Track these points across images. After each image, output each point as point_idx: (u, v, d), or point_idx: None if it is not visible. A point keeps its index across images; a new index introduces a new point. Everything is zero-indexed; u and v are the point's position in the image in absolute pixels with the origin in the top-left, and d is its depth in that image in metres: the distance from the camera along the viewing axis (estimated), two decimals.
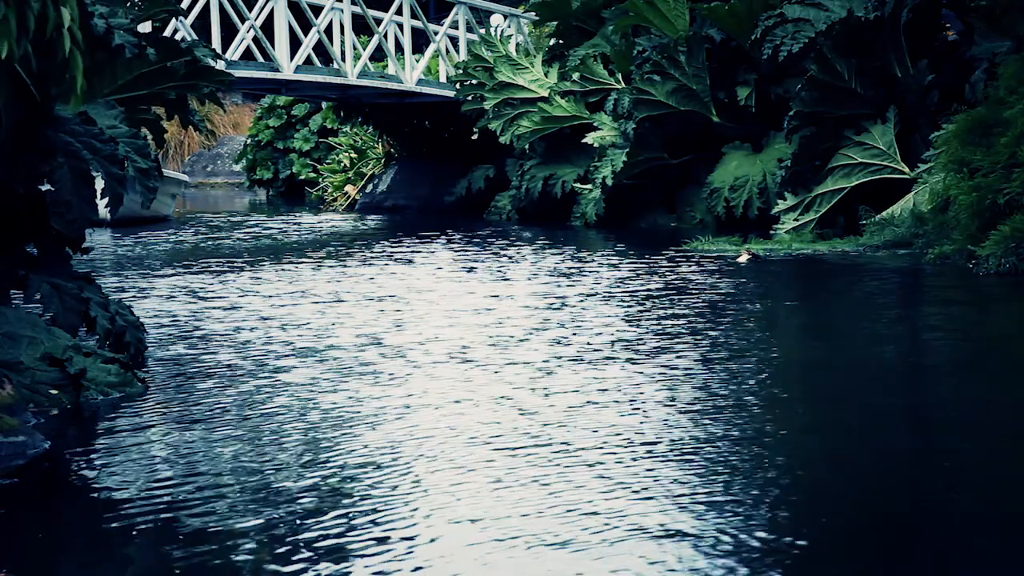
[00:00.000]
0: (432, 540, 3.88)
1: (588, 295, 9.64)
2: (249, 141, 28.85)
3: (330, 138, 26.30)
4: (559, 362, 6.75)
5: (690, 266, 11.62)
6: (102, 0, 6.44)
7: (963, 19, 14.65)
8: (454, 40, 22.03)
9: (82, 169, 5.93)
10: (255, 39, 18.11)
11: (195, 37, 14.54)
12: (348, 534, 3.93)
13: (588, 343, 7.34)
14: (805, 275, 11.63)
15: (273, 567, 3.68)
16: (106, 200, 6.08)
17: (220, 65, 7.03)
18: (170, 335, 7.90)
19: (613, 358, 6.85)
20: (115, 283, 10.77)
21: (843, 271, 11.51)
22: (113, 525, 4.11)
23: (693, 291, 9.77)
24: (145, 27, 7.34)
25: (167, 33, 15.95)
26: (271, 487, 4.44)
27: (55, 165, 5.88)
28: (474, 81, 19.42)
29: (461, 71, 19.76)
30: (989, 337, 8.12)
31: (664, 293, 9.65)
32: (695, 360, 6.77)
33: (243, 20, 17.84)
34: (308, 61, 19.41)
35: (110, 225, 17.52)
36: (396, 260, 13.00)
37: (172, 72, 6.64)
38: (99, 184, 6.13)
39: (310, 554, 3.76)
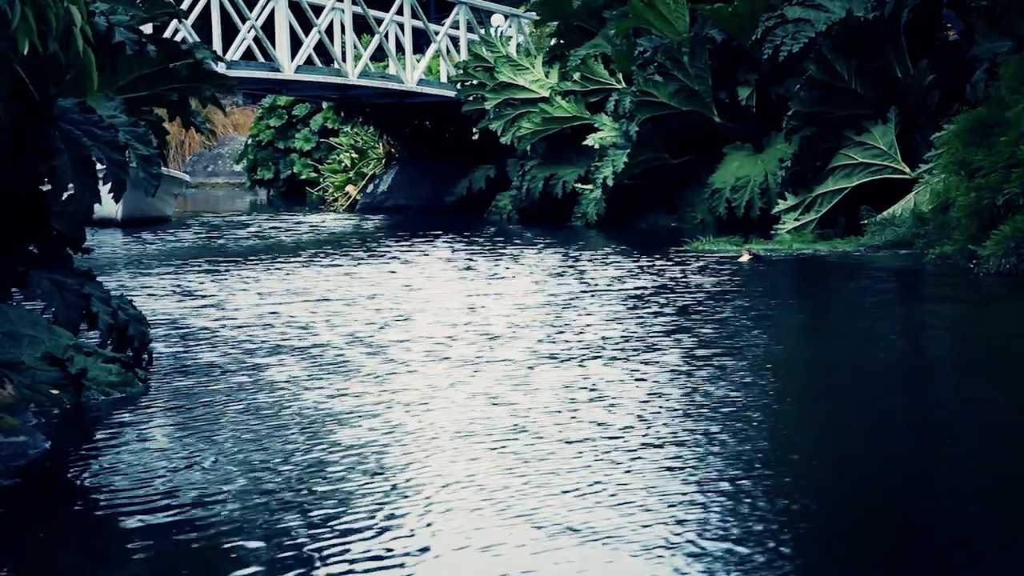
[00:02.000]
0: (403, 534, 3.89)
1: (585, 295, 9.64)
2: (250, 141, 28.86)
3: (331, 138, 26.31)
4: (547, 361, 6.75)
5: (691, 266, 11.63)
6: None
7: (964, 19, 14.65)
8: (455, 40, 22.04)
9: (83, 156, 5.94)
10: (256, 39, 18.11)
11: (196, 39, 14.54)
12: (339, 533, 3.94)
13: (579, 342, 7.33)
14: (806, 275, 11.63)
15: (271, 565, 3.68)
16: (109, 188, 6.08)
17: (221, 68, 7.05)
18: (170, 334, 7.91)
19: (606, 357, 6.84)
20: (114, 283, 10.77)
21: (844, 271, 11.52)
22: (113, 525, 4.12)
23: (693, 291, 9.77)
24: (146, 29, 7.35)
25: (167, 34, 15.96)
26: (269, 485, 4.45)
27: (55, 163, 5.88)
28: (475, 81, 19.43)
29: (462, 71, 19.77)
30: (989, 337, 8.11)
31: (663, 293, 9.65)
32: (692, 359, 6.76)
33: (244, 20, 17.84)
34: (309, 61, 19.42)
35: (119, 225, 17.59)
36: (394, 260, 13.01)
37: (174, 74, 6.65)
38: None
39: (308, 551, 3.76)
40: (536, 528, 3.94)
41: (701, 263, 11.87)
